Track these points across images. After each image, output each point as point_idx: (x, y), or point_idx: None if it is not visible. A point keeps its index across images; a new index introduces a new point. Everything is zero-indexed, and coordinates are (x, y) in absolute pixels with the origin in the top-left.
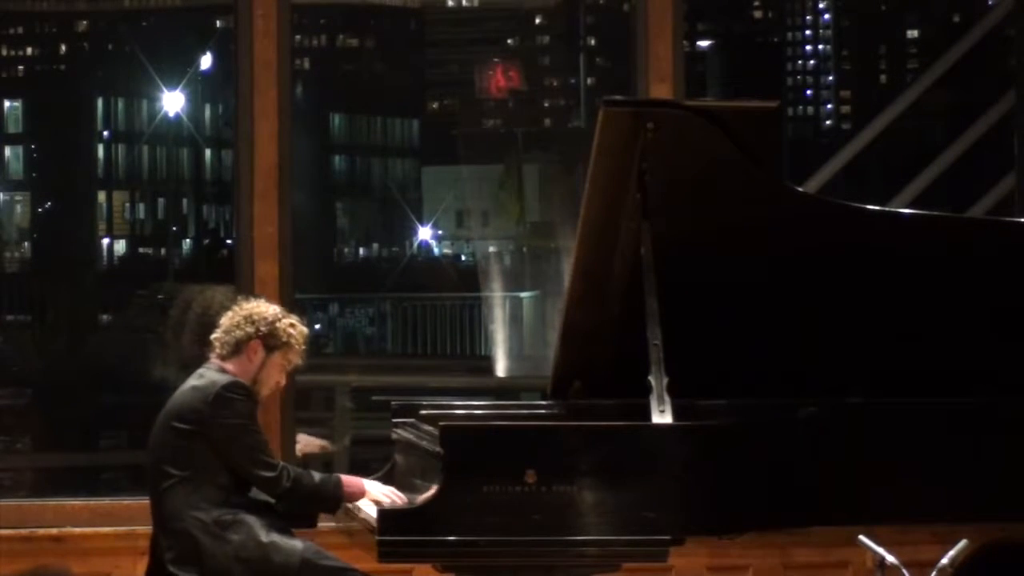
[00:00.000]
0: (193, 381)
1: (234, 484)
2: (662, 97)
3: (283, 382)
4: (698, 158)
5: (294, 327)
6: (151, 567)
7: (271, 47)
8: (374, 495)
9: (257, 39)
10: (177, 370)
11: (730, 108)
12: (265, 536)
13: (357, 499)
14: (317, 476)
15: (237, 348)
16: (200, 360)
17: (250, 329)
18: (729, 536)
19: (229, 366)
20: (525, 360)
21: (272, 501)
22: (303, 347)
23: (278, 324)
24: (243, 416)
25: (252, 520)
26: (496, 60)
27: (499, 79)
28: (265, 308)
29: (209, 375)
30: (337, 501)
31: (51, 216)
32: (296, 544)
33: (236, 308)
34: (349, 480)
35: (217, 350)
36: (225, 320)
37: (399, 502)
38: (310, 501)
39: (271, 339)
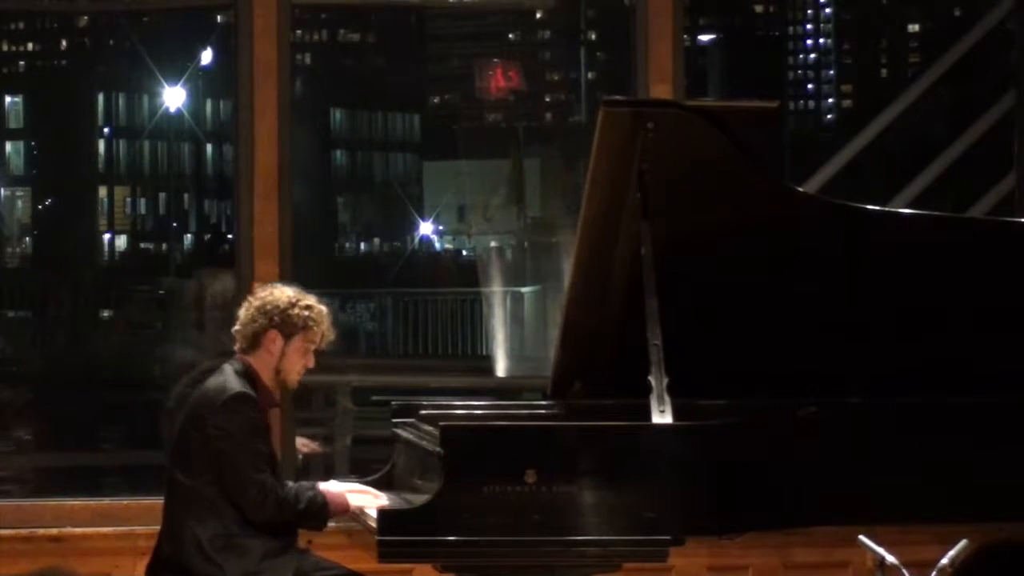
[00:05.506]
0: (211, 381)
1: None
2: (662, 97)
3: (311, 364)
4: (698, 158)
5: (310, 308)
6: (153, 562)
7: (271, 46)
8: (356, 505)
9: (257, 38)
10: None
11: (730, 108)
12: (256, 564)
13: (342, 514)
14: (304, 500)
15: (255, 341)
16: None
17: (264, 320)
18: (729, 536)
19: (251, 360)
20: (526, 359)
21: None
22: (324, 324)
23: (291, 311)
24: (242, 430)
25: (248, 543)
26: (496, 61)
27: (499, 80)
28: (279, 295)
29: (224, 378)
30: (322, 521)
31: (52, 212)
32: (289, 566)
33: (251, 298)
34: (333, 498)
35: (238, 344)
36: (241, 313)
37: (383, 503)
38: (295, 523)
39: (286, 327)
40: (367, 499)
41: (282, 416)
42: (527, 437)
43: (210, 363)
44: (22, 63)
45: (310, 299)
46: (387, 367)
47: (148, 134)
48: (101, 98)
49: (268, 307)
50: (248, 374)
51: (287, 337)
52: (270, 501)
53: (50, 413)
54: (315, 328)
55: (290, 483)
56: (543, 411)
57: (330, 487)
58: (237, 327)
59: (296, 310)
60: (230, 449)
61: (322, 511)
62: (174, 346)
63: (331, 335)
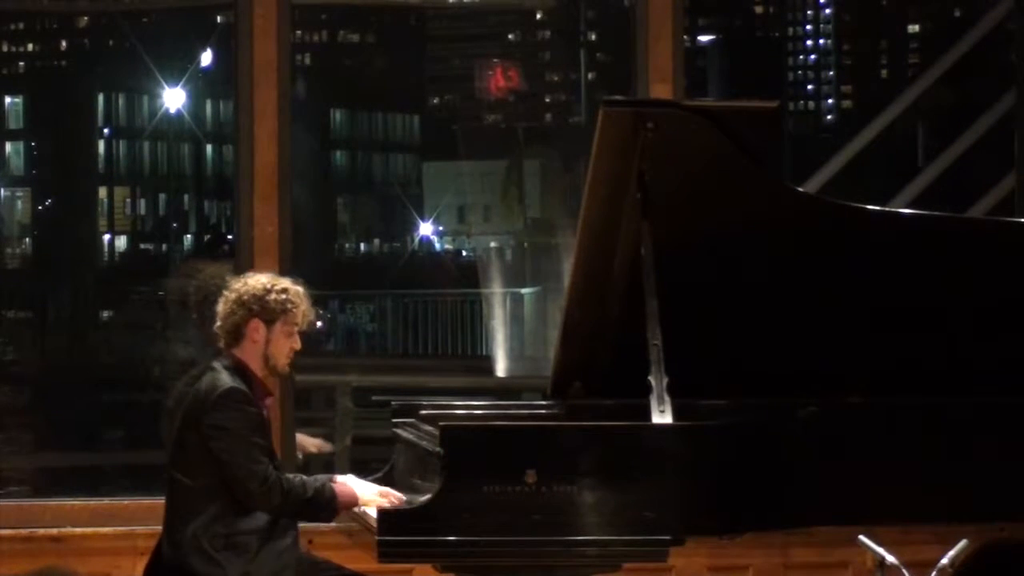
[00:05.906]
0: (203, 380)
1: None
2: (662, 97)
3: (297, 345)
4: (698, 158)
5: (286, 291)
6: (151, 563)
7: (271, 47)
8: (367, 499)
9: (257, 39)
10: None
11: (730, 108)
12: (257, 563)
13: (351, 506)
14: (311, 490)
15: (238, 333)
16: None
17: (243, 311)
18: (729, 536)
19: (238, 353)
20: (526, 360)
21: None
22: (303, 304)
23: (268, 296)
24: (238, 426)
25: (248, 543)
26: (496, 61)
27: (499, 80)
28: (253, 283)
29: (215, 375)
30: (331, 512)
31: (52, 212)
32: (289, 566)
33: (227, 292)
34: (342, 490)
35: (222, 340)
36: (220, 308)
37: (394, 500)
38: (303, 514)
39: (266, 313)
40: (377, 497)
41: (282, 416)
42: (527, 437)
43: (209, 362)
44: (22, 63)
45: (284, 282)
46: (387, 367)
47: (148, 135)
48: (101, 98)
49: (245, 297)
50: (238, 368)
51: (269, 323)
52: (275, 491)
53: (50, 413)
54: (294, 310)
55: (301, 476)
56: (543, 411)
57: (348, 479)
58: (218, 323)
59: (273, 295)
60: (227, 446)
61: (331, 503)
62: (174, 346)
63: (311, 314)
